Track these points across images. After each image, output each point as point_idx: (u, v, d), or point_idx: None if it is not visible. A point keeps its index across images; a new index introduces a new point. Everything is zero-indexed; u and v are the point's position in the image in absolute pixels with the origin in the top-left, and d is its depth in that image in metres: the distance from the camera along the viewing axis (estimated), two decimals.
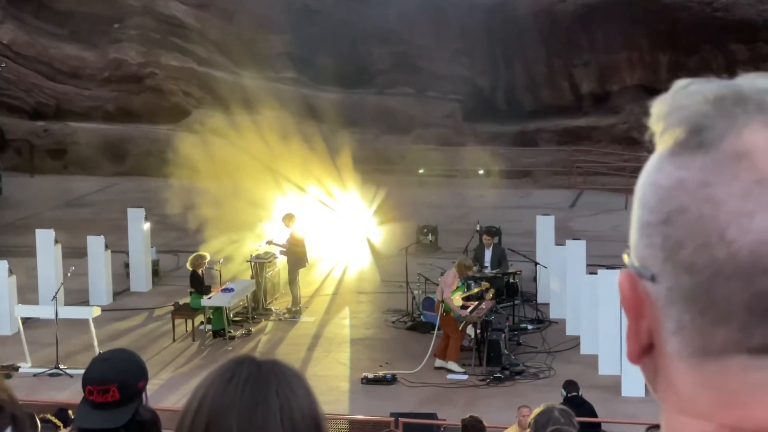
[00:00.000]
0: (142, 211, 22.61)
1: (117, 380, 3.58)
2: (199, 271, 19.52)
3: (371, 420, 14.85)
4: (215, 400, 1.96)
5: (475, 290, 18.30)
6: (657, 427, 7.16)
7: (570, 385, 14.66)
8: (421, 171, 25.90)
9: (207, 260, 19.81)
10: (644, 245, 1.02)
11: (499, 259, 20.19)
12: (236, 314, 20.24)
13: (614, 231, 26.35)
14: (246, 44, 33.34)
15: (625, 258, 1.06)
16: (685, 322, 0.98)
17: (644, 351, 1.03)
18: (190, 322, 19.45)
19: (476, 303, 17.81)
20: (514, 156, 32.28)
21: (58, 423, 8.88)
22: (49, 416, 9.02)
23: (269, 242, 21.02)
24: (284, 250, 20.74)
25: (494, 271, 19.91)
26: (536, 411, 5.66)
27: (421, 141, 32.37)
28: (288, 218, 20.85)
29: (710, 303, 0.96)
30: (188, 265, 19.70)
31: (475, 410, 15.89)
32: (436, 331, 17.91)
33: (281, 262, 21.12)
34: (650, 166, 1.05)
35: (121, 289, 21.98)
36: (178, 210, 24.67)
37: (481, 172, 31.41)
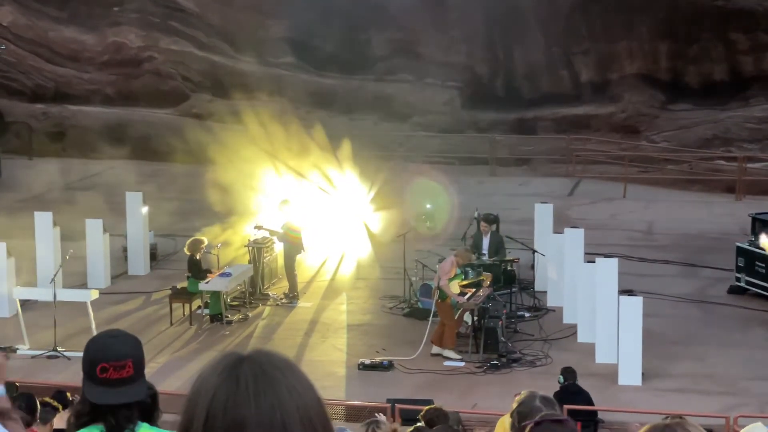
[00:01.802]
0: (140, 195, 22.61)
1: (131, 355, 3.61)
2: (197, 256, 19.54)
3: (367, 406, 14.88)
4: (229, 410, 1.88)
5: (478, 279, 18.31)
6: (678, 417, 7.16)
7: (567, 373, 14.69)
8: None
9: (204, 245, 19.83)
10: None
11: (496, 247, 20.20)
12: (233, 299, 20.27)
13: (612, 219, 26.39)
14: (245, 29, 33.29)
15: None
16: None
17: None
18: (187, 306, 19.48)
19: (473, 290, 17.83)
20: (512, 144, 32.26)
21: (57, 405, 8.90)
22: (48, 399, 9.04)
23: (258, 227, 21.02)
24: (279, 236, 20.74)
25: (492, 259, 19.92)
26: (517, 399, 5.60)
27: (420, 128, 32.35)
28: (284, 204, 20.85)
29: None
30: (186, 250, 19.72)
31: (471, 397, 15.95)
32: (431, 318, 17.93)
33: (279, 247, 21.14)
34: None
35: (119, 272, 21.99)
36: (177, 194, 24.67)
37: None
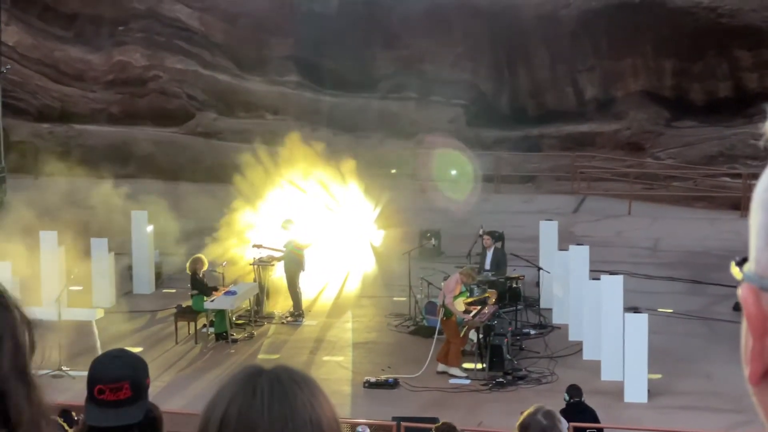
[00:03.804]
0: (145, 214, 22.64)
1: (129, 377, 3.60)
2: (199, 274, 19.52)
3: (373, 424, 14.84)
4: (242, 417, 1.92)
5: (483, 295, 18.29)
6: None
7: (573, 390, 14.64)
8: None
9: (205, 262, 19.80)
10: None
11: (498, 263, 20.19)
12: (239, 317, 20.26)
13: (617, 236, 26.37)
14: (250, 48, 33.38)
15: (736, 271, 0.95)
16: None
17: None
18: (192, 324, 19.47)
19: (479, 308, 17.82)
20: (517, 161, 32.29)
21: (63, 424, 8.88)
22: (56, 418, 9.02)
23: (257, 246, 21.01)
24: (281, 254, 20.73)
25: (491, 273, 19.88)
26: (521, 419, 5.64)
27: (425, 146, 32.39)
28: (287, 223, 20.86)
29: None
30: (187, 269, 19.74)
31: (477, 415, 15.91)
32: (436, 336, 17.92)
33: (279, 266, 21.12)
34: None
35: (125, 291, 22.00)
36: (182, 212, 24.69)
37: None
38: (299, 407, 1.94)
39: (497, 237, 21.16)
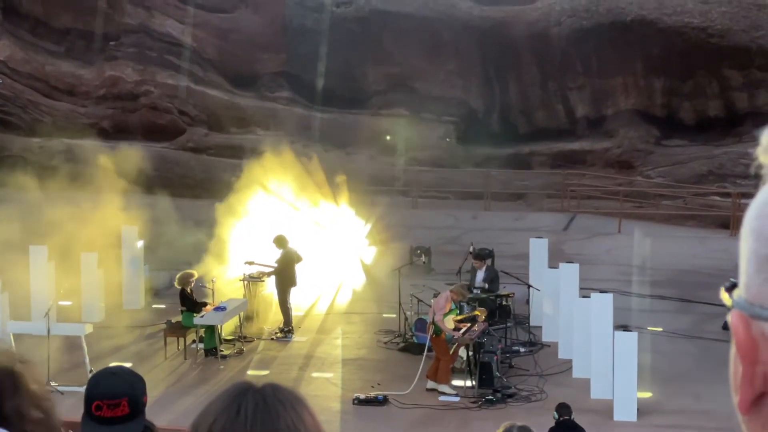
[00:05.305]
0: (135, 229, 22.61)
1: (127, 394, 3.60)
2: (188, 289, 19.50)
3: None
4: None
5: (473, 313, 18.28)
6: None
7: (562, 408, 14.63)
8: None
9: (195, 278, 19.79)
10: (763, 281, 0.92)
11: (490, 281, 20.20)
12: (228, 333, 20.22)
13: (607, 254, 26.40)
14: (242, 63, 33.41)
15: (726, 297, 0.95)
16: None
17: (757, 400, 0.93)
18: (182, 340, 19.43)
19: (469, 325, 17.81)
20: (507, 178, 32.34)
21: None
22: None
23: (249, 263, 20.99)
24: (272, 271, 20.71)
25: (478, 289, 19.87)
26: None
27: (415, 162, 32.44)
28: (279, 240, 20.84)
29: None
30: (176, 283, 19.71)
31: None
32: (426, 353, 17.91)
33: (270, 282, 21.09)
34: (764, 196, 0.96)
35: (114, 306, 21.94)
36: (172, 227, 24.67)
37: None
38: (282, 427, 1.93)
39: (485, 255, 21.15)
